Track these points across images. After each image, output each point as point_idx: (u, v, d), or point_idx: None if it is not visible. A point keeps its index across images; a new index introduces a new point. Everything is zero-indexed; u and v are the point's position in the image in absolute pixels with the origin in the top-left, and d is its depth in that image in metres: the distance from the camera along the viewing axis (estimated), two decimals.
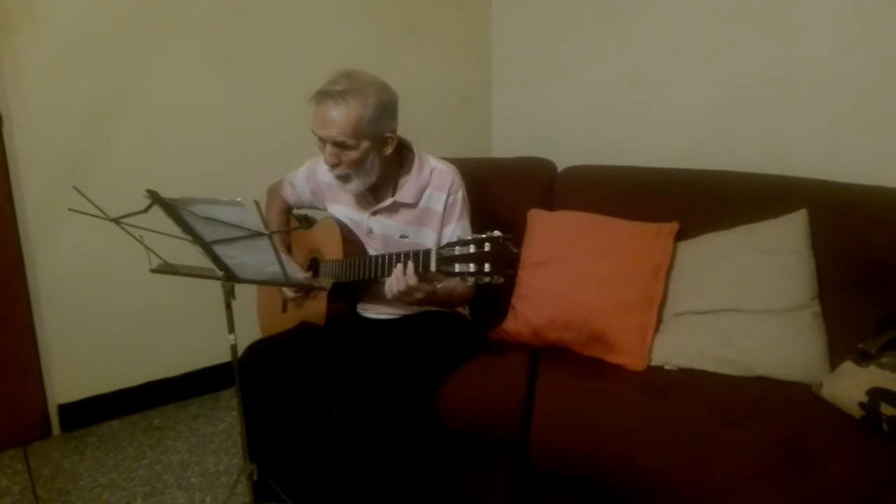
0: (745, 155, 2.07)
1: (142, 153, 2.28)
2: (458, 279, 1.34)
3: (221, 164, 2.41)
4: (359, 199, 1.77)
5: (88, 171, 2.20)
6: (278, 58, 2.45)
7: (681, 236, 1.89)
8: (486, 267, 1.27)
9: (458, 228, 1.75)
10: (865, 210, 1.75)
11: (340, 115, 1.55)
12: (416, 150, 1.76)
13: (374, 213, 1.76)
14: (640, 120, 2.46)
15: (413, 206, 1.73)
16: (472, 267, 1.28)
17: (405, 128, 1.75)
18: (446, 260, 1.34)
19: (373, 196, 1.76)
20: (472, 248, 1.29)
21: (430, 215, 1.74)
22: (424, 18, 2.77)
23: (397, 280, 1.47)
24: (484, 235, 1.29)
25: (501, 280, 1.29)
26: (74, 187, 1.36)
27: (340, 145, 1.59)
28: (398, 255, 1.48)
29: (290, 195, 1.98)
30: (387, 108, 1.61)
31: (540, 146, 2.42)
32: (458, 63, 2.90)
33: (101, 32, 2.15)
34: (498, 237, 1.28)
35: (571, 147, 2.54)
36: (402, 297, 1.51)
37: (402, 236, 1.74)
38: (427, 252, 1.40)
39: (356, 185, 1.68)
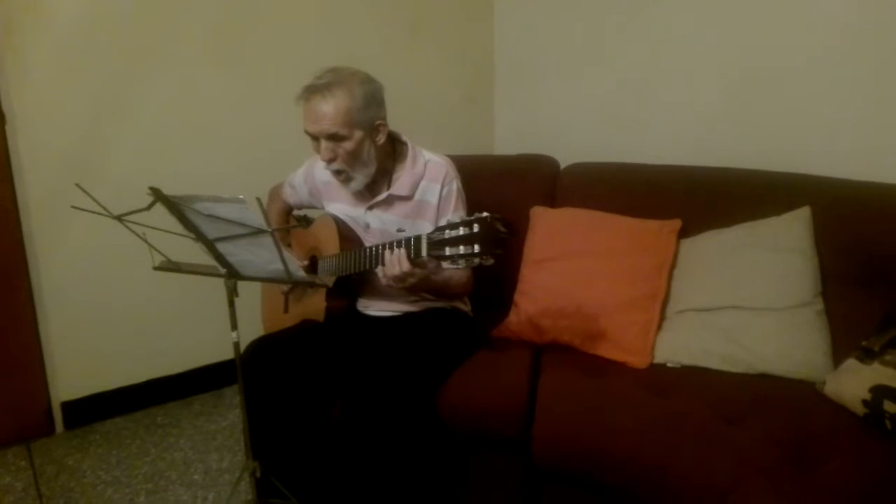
0: (749, 152, 2.06)
1: (144, 151, 2.28)
2: (451, 264, 1.34)
3: (224, 162, 2.41)
4: (355, 194, 1.78)
5: (91, 169, 2.20)
6: (280, 57, 2.44)
7: (683, 233, 1.89)
8: (476, 248, 1.28)
9: (453, 219, 1.74)
10: (869, 207, 1.74)
11: (329, 107, 1.56)
12: (409, 143, 1.76)
13: (371, 208, 1.76)
14: (643, 117, 2.46)
15: (408, 198, 1.73)
16: (461, 249, 1.29)
17: (408, 125, 1.75)
18: (437, 244, 1.34)
19: (368, 191, 1.76)
20: (461, 231, 1.30)
21: (425, 207, 1.74)
22: (427, 16, 2.76)
23: (390, 265, 1.47)
24: (472, 217, 1.29)
25: (491, 261, 1.30)
26: (77, 185, 1.36)
27: (334, 137, 1.59)
28: (390, 243, 1.48)
29: (289, 196, 1.99)
30: (374, 96, 1.62)
31: (542, 143, 2.42)
32: (461, 60, 2.90)
33: (104, 31, 2.15)
34: (486, 217, 1.29)
35: (574, 144, 2.54)
36: (395, 284, 1.49)
37: (400, 230, 1.74)
38: (418, 238, 1.41)
39: (358, 181, 1.68)
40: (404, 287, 1.52)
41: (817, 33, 1.96)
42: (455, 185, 1.75)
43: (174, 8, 2.24)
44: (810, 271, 1.72)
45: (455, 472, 1.73)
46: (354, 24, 2.58)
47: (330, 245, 1.75)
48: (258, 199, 1.25)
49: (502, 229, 1.31)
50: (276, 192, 2.05)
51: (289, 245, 2.01)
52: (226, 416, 2.44)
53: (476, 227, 1.28)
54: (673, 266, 1.86)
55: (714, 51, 2.21)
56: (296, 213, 2.06)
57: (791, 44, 2.02)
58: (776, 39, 2.05)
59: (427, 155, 1.76)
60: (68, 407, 2.35)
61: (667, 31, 2.33)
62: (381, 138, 1.66)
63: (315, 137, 1.62)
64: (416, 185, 1.73)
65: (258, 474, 1.62)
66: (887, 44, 1.83)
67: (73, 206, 1.40)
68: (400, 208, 1.75)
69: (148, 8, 2.20)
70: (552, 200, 2.14)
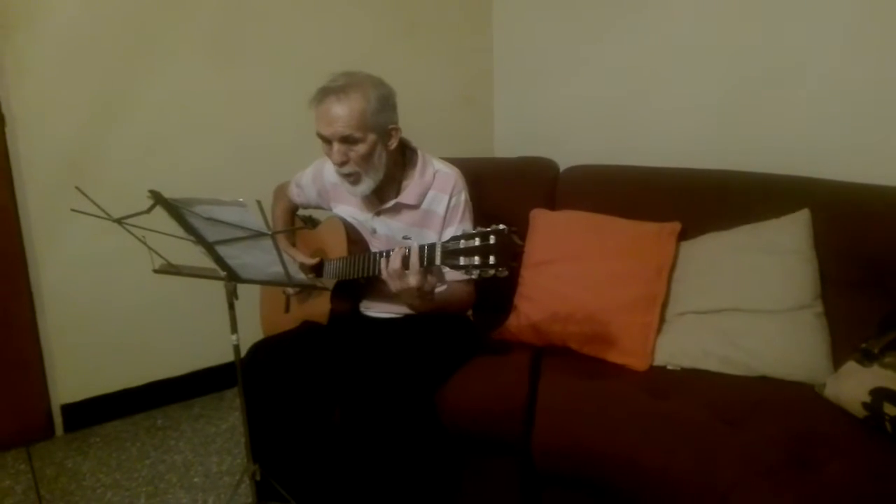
0: (748, 154, 2.06)
1: (144, 153, 2.28)
2: (461, 276, 1.33)
3: (224, 164, 2.41)
4: (363, 199, 1.78)
5: (91, 172, 2.20)
6: (280, 57, 2.45)
7: (683, 236, 1.89)
8: (491, 259, 1.27)
9: (459, 231, 1.74)
10: (868, 209, 1.74)
11: (344, 109, 1.56)
12: (419, 151, 1.77)
13: (378, 214, 1.77)
14: (643, 119, 2.46)
15: (415, 207, 1.73)
16: (476, 260, 1.28)
17: (407, 128, 1.75)
18: (451, 253, 1.34)
19: (377, 197, 1.76)
20: (476, 242, 1.29)
21: (431, 217, 1.74)
22: (426, 17, 2.77)
23: (393, 261, 1.45)
24: (489, 229, 1.29)
25: (506, 273, 1.29)
26: (77, 188, 1.36)
27: (347, 140, 1.59)
28: (403, 249, 1.47)
29: (296, 196, 1.99)
30: (387, 101, 1.63)
31: (542, 146, 2.42)
32: (460, 62, 2.90)
33: (103, 32, 2.15)
34: (503, 230, 1.28)
35: (573, 146, 2.54)
36: (396, 281, 1.47)
37: (405, 237, 1.74)
38: (432, 245, 1.40)
39: (366, 184, 1.67)
40: (402, 288, 1.48)
41: (817, 35, 1.96)
42: (463, 196, 1.75)
43: (173, 8, 2.24)
44: (810, 274, 1.72)
45: (455, 474, 1.73)
46: (353, 25, 2.59)
47: (337, 248, 1.75)
48: (258, 202, 1.25)
49: (518, 242, 1.31)
50: (282, 191, 2.05)
51: (294, 246, 2.01)
52: (226, 419, 2.43)
53: (492, 239, 1.28)
54: (672, 268, 1.86)
55: (713, 53, 2.21)
56: (301, 213, 2.06)
57: (791, 46, 2.02)
58: (776, 41, 2.05)
59: (437, 164, 1.76)
60: (68, 410, 2.35)
61: (666, 34, 2.33)
62: (394, 143, 1.66)
63: (327, 140, 1.61)
64: (423, 195, 1.73)
65: (258, 477, 1.62)
66: (886, 46, 1.83)
67: (72, 209, 1.40)
68: (407, 216, 1.75)
69: (147, 8, 2.20)
70: (552, 203, 2.15)
